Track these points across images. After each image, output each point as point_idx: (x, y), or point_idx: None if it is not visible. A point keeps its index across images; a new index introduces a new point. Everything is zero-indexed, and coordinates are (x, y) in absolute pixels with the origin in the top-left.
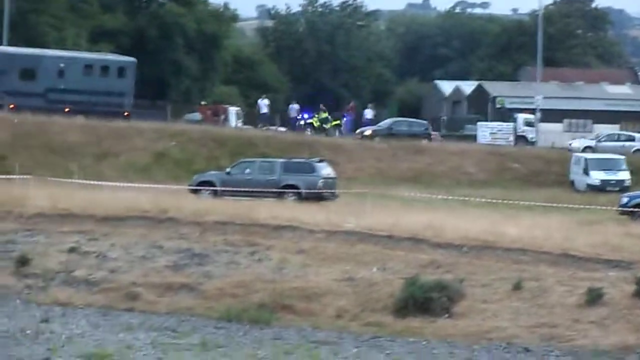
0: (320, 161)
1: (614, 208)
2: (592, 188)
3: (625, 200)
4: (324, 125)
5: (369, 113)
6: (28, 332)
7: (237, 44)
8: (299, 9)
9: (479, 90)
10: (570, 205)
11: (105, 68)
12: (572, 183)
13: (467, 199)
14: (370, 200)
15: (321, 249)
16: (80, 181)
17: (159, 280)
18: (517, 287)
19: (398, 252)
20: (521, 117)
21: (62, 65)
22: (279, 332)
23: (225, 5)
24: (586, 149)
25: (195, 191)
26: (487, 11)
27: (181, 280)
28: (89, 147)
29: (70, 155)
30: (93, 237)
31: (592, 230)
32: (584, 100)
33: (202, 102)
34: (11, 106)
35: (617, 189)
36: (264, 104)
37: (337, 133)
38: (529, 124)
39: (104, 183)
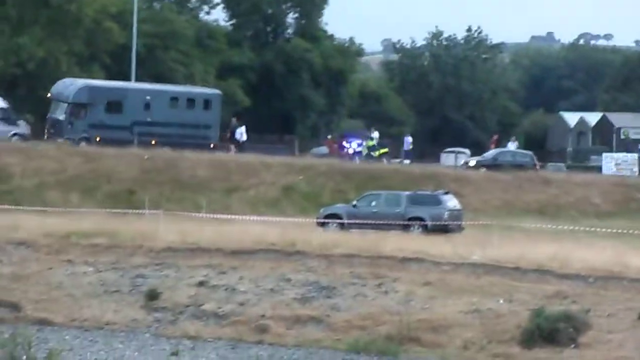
0: (446, 193)
1: None
2: None
3: None
4: (372, 153)
5: (512, 146)
6: None
7: (363, 78)
8: (424, 42)
9: (603, 121)
10: None
11: (191, 100)
12: None
13: (593, 229)
14: (496, 232)
15: (447, 281)
16: (208, 215)
17: (288, 312)
18: None
19: (524, 284)
20: None
21: (148, 98)
22: None
23: (351, 40)
24: None
25: (322, 224)
26: (610, 43)
27: (309, 313)
28: (217, 182)
29: (199, 190)
30: (222, 271)
31: None
32: None
33: (329, 136)
34: (97, 139)
35: None
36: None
37: (385, 161)
38: None
39: (231, 217)
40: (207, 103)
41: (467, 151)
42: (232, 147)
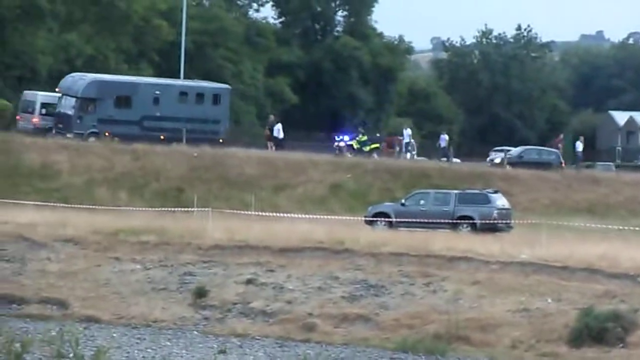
0: (495, 192)
1: None
2: None
3: None
4: (363, 148)
5: (579, 146)
6: None
7: (412, 76)
8: (473, 40)
9: None
10: None
11: (200, 95)
12: None
13: None
14: (545, 231)
15: (496, 280)
16: (256, 213)
17: (335, 311)
18: None
19: (573, 283)
20: None
21: (157, 92)
22: None
23: (400, 38)
24: None
25: (370, 222)
26: None
27: (357, 311)
28: (265, 179)
29: (247, 188)
30: (270, 269)
31: None
32: None
33: (377, 134)
34: (107, 134)
35: None
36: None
37: (375, 156)
38: None
39: (279, 214)
40: (216, 98)
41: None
42: (271, 144)
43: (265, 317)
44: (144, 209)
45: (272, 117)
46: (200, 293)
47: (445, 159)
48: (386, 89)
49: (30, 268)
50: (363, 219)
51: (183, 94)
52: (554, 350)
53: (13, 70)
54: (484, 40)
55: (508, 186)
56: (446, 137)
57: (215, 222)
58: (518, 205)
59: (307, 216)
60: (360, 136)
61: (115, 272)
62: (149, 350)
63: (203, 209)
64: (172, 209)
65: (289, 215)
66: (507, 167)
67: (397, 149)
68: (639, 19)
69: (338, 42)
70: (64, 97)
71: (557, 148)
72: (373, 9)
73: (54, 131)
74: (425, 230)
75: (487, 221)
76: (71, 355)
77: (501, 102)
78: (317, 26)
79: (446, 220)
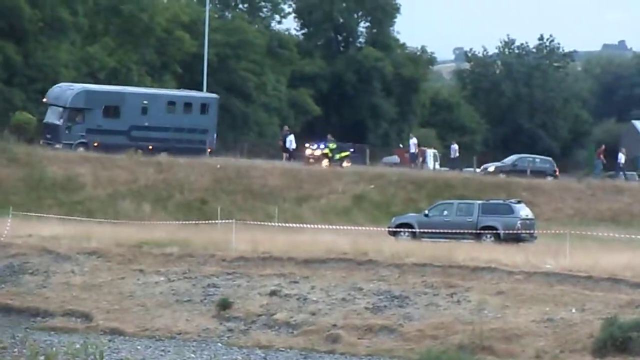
0: (519, 202)
1: None
2: None
3: None
4: (334, 157)
5: (621, 157)
6: None
7: (435, 87)
8: (496, 51)
9: None
10: None
11: (188, 105)
12: None
13: None
14: (569, 241)
15: (520, 290)
16: (280, 224)
17: (359, 322)
18: None
19: (597, 293)
20: None
21: (145, 102)
22: None
23: (423, 49)
24: None
25: (394, 233)
26: None
27: (381, 322)
28: (289, 191)
29: (270, 199)
30: (294, 280)
31: None
32: None
33: (400, 145)
34: (95, 144)
35: None
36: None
37: (343, 164)
38: None
39: (303, 226)
40: (204, 107)
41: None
42: (285, 155)
43: (290, 328)
44: (167, 221)
45: (285, 128)
46: (224, 305)
47: (457, 169)
48: (409, 99)
49: (54, 281)
50: (387, 229)
51: (171, 103)
52: None
53: (36, 83)
54: (506, 50)
55: (532, 196)
56: (456, 146)
57: (238, 233)
58: (542, 215)
59: (330, 227)
60: (330, 144)
61: (139, 285)
62: None
63: (227, 220)
64: (196, 221)
65: (312, 226)
66: (501, 175)
67: (420, 159)
68: None
69: (360, 53)
70: (52, 107)
71: (600, 159)
72: (395, 19)
73: (41, 142)
74: (449, 241)
75: (511, 231)
76: None
77: (524, 112)
78: (339, 37)
79: (470, 231)
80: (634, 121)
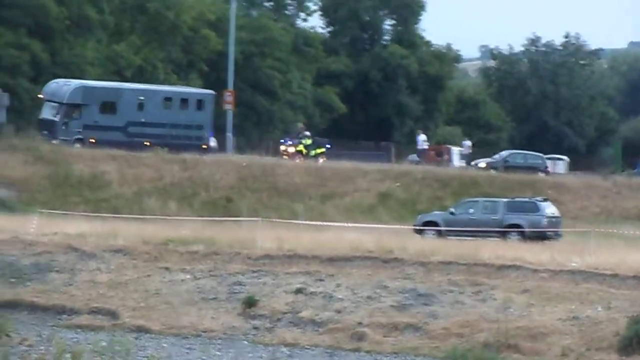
0: (544, 200)
1: None
2: None
3: None
4: (309, 153)
5: None
6: None
7: (460, 84)
8: (522, 48)
9: None
10: None
11: (184, 101)
12: None
13: None
14: (595, 239)
15: (545, 288)
16: (305, 222)
17: (385, 320)
18: None
19: (622, 291)
20: None
21: (141, 98)
22: None
23: (448, 46)
24: None
25: (419, 231)
26: None
27: (406, 320)
28: (314, 189)
29: (295, 197)
30: (319, 278)
31: None
32: None
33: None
34: (92, 140)
35: None
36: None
37: (320, 160)
38: None
39: (328, 224)
40: (200, 103)
41: (565, 158)
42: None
43: (315, 326)
44: (193, 218)
45: (300, 125)
46: (250, 303)
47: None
48: (434, 97)
49: (80, 278)
50: (412, 227)
51: (167, 99)
52: (604, 358)
53: None
54: (532, 48)
55: (557, 194)
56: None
57: (264, 231)
58: (567, 213)
59: (355, 225)
60: (305, 140)
61: (165, 282)
62: None
63: (252, 218)
64: (221, 218)
65: (337, 224)
66: (492, 171)
67: (446, 157)
68: None
69: (386, 51)
70: (48, 103)
71: None
72: (421, 17)
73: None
74: (474, 239)
75: (537, 229)
76: None
77: (550, 109)
78: (365, 35)
79: (495, 229)
80: None
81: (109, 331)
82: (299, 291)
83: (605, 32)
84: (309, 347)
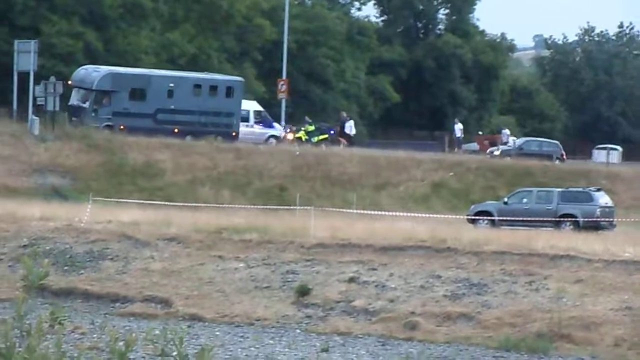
0: (598, 190)
1: None
2: None
3: None
4: (311, 139)
5: None
6: None
7: (514, 74)
8: (576, 38)
9: None
10: None
11: (213, 88)
12: None
13: None
14: None
15: (599, 278)
16: (359, 211)
17: (438, 309)
18: None
19: None
20: None
21: (171, 85)
22: None
23: (503, 36)
24: None
25: (472, 221)
26: None
27: (459, 310)
28: (367, 178)
29: (349, 186)
30: (372, 267)
31: None
32: None
33: (480, 132)
34: (121, 127)
35: None
36: (458, 128)
37: (323, 147)
38: None
39: (381, 213)
40: (229, 90)
41: (619, 148)
42: (343, 140)
43: (368, 315)
44: (247, 206)
45: (343, 113)
46: (303, 291)
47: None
48: (488, 86)
49: (134, 267)
50: (465, 217)
51: (197, 86)
52: None
53: None
54: (586, 37)
55: (611, 184)
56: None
57: (317, 220)
58: (621, 203)
59: (408, 214)
60: (307, 126)
61: (218, 271)
62: (252, 348)
63: (305, 207)
64: (275, 207)
65: (390, 213)
66: (507, 158)
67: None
68: None
69: (440, 40)
70: (77, 89)
71: None
72: (475, 7)
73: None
74: (528, 229)
75: (590, 219)
76: (175, 353)
77: (604, 99)
78: (419, 24)
79: (549, 219)
80: None
81: (162, 319)
82: (351, 280)
83: None
84: (361, 336)
